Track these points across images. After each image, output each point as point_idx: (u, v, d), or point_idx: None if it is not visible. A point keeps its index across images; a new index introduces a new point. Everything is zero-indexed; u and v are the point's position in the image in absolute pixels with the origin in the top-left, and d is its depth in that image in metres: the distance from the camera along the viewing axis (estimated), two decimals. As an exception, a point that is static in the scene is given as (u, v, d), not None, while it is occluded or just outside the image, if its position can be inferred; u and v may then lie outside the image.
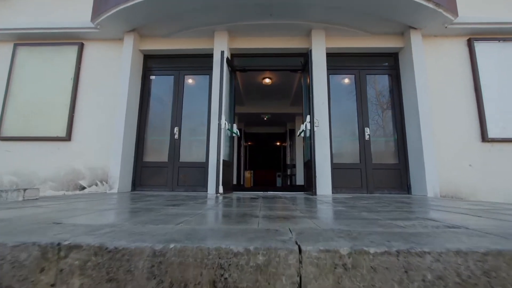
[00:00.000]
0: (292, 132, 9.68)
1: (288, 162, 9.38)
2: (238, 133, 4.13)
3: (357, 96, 4.27)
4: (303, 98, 4.23)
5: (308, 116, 3.50)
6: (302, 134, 4.08)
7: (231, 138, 4.15)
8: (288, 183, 9.27)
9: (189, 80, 4.48)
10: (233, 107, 4.22)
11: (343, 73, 4.36)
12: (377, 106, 4.27)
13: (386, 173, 4.02)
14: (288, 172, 9.28)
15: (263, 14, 3.81)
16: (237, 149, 9.45)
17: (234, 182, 8.27)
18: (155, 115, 4.41)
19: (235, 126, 4.13)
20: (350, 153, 4.14)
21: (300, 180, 8.16)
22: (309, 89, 3.66)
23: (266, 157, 12.90)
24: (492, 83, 3.94)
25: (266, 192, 4.04)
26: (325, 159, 3.69)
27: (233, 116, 4.21)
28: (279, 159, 12.16)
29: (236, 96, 7.84)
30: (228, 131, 3.85)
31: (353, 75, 4.35)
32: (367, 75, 4.35)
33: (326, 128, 3.77)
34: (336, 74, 4.34)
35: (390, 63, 4.38)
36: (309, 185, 3.59)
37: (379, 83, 4.35)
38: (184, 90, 4.42)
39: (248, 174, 9.02)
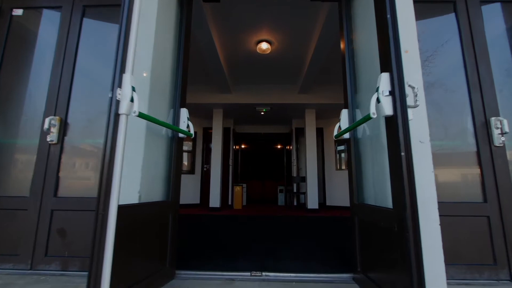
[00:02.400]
0: (300, 132, 7.41)
1: (294, 173, 7.09)
2: (192, 133, 1.85)
3: (466, 52, 1.99)
4: (344, 60, 1.96)
5: (384, 77, 1.21)
6: (347, 136, 1.80)
7: (173, 143, 1.85)
8: (295, 203, 6.96)
9: (93, 22, 2.18)
10: (181, 73, 1.93)
11: (429, 1, 2.08)
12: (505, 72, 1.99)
13: (547, 227, 1.73)
14: (295, 188, 6.98)
15: None
16: (222, 156, 7.15)
17: (217, 204, 5.98)
18: (18, 91, 2.11)
19: (184, 113, 1.85)
20: (454, 179, 1.85)
21: (313, 202, 5.86)
22: (377, 19, 1.37)
23: (264, 165, 10.61)
24: None
25: (260, 274, 1.73)
26: (429, 201, 1.38)
27: (182, 91, 1.92)
28: (282, 168, 9.90)
29: (218, 78, 5.51)
30: (147, 119, 1.53)
31: (451, 4, 2.08)
32: (482, 7, 2.08)
33: (423, 115, 1.46)
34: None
35: (531, -22, 2.11)
36: (377, 268, 1.29)
37: (504, 23, 2.08)
38: (80, 40, 2.13)
39: (238, 189, 6.73)
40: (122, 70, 1.24)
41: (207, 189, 6.35)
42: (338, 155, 6.89)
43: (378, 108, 1.23)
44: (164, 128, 1.75)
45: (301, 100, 5.88)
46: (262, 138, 10.09)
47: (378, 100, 1.22)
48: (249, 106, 6.13)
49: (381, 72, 1.25)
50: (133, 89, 1.24)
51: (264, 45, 4.04)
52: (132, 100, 1.23)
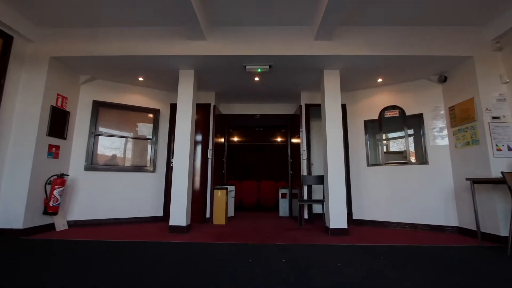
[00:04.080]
0: (314, 110, 5.22)
1: (305, 171, 4.89)
2: None
3: None
4: None
5: None
6: None
7: None
8: (306, 216, 4.78)
9: None
10: None
11: None
12: None
13: None
14: (305, 192, 4.80)
15: None
16: (202, 146, 4.96)
17: (182, 221, 3.78)
18: None
19: None
20: None
21: (339, 219, 3.66)
22: None
23: (261, 160, 8.43)
24: None
25: None
26: None
27: None
28: (285, 164, 7.85)
29: (181, 10, 2.85)
30: None
31: None
32: None
33: None
34: None
35: None
36: None
37: None
38: None
39: (220, 194, 4.56)
40: None
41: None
42: (369, 145, 4.71)
43: None
44: None
45: (318, 50, 3.68)
46: (257, 122, 7.86)
47: None
48: (235, 61, 3.91)
49: None
50: None
51: None
52: None
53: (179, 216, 3.73)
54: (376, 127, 4.68)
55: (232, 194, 5.68)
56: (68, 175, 3.93)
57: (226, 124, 6.39)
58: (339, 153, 3.84)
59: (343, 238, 3.42)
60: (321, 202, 4.11)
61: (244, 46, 3.69)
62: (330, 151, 3.86)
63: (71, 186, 4.12)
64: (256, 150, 8.47)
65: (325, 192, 3.96)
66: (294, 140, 5.65)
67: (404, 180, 4.29)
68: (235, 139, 8.49)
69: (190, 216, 4.00)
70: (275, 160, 8.30)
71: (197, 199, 4.73)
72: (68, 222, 4.04)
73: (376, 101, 4.73)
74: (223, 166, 5.93)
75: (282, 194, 5.88)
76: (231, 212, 5.56)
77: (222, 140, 6.16)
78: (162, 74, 4.35)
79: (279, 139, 8.46)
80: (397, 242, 3.21)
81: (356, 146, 4.83)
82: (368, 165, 4.64)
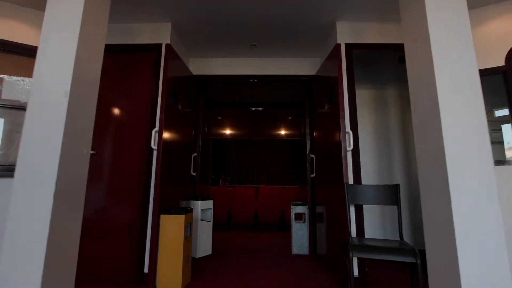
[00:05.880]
0: (362, 55, 2.68)
1: (351, 177, 2.43)
2: None
3: None
4: None
5: None
6: None
7: None
8: (356, 271, 2.32)
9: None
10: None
11: None
12: None
13: None
14: (352, 219, 2.35)
15: None
16: (136, 133, 2.54)
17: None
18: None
19: None
20: None
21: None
22: None
23: (260, 155, 6.04)
24: None
25: None
26: None
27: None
28: (302, 159, 5.64)
29: None
30: None
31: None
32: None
33: None
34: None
35: None
36: None
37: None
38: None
39: (173, 225, 2.15)
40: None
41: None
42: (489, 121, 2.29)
43: None
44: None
45: None
46: (254, 96, 5.32)
47: None
48: None
49: None
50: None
51: None
52: None
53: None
54: (500, 83, 2.27)
55: (209, 214, 3.24)
56: None
57: (201, 94, 3.89)
58: (480, 126, 1.42)
59: None
60: (413, 255, 1.66)
61: None
62: (447, 121, 1.44)
63: None
64: (254, 144, 6.06)
65: (428, 231, 1.54)
66: (315, 127, 3.21)
67: None
68: (226, 130, 6.06)
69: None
70: (282, 153, 5.90)
71: (122, 235, 2.29)
72: None
73: (501, 30, 2.31)
74: (194, 166, 3.47)
75: (296, 214, 3.44)
76: (207, 249, 3.10)
77: (194, 123, 3.72)
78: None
79: (282, 131, 6.03)
80: None
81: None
82: (494, 163, 2.21)
